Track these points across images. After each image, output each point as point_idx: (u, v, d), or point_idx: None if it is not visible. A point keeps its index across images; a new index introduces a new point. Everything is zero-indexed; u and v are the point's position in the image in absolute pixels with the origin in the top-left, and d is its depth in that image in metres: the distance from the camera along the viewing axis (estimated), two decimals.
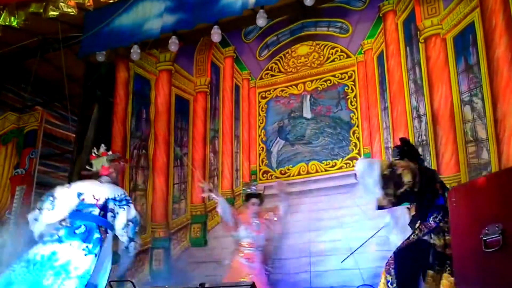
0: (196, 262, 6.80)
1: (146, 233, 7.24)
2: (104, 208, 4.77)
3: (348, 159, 6.54)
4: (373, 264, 5.56)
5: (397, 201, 4.37)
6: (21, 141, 8.27)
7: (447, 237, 4.22)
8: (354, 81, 6.79)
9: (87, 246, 4.56)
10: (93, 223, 4.69)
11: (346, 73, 6.85)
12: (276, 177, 6.86)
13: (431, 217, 4.33)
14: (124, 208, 4.83)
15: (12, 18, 6.61)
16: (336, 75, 6.89)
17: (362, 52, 6.81)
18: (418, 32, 6.36)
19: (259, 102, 7.33)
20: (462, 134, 5.80)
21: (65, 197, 4.85)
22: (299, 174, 6.74)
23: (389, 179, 4.29)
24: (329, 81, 6.92)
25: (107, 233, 4.73)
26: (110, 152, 5.32)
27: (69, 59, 7.70)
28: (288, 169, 6.85)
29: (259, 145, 7.17)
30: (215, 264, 6.55)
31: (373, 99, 6.62)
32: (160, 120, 7.76)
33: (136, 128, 7.88)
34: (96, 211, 4.75)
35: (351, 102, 6.74)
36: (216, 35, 6.77)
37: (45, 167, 8.96)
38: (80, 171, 7.89)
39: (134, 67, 8.05)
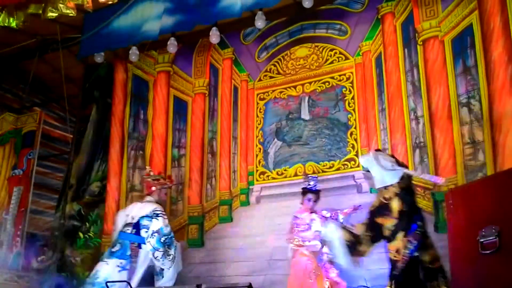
0: (193, 263, 6.79)
1: None
2: (136, 226, 5.24)
3: (345, 160, 6.54)
4: (375, 265, 5.56)
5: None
6: (19, 142, 8.27)
7: (431, 251, 4.19)
8: (352, 82, 6.80)
9: (120, 263, 5.08)
10: (126, 241, 5.20)
11: (344, 74, 6.85)
12: (273, 178, 6.87)
13: (418, 223, 4.25)
14: (152, 221, 5.25)
15: (11, 19, 6.59)
16: (335, 77, 6.90)
17: (361, 54, 6.81)
18: (416, 34, 6.37)
19: (257, 103, 7.33)
20: (460, 136, 5.81)
21: (119, 219, 5.52)
22: (295, 175, 6.74)
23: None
24: (327, 83, 6.92)
25: (140, 248, 5.17)
26: (152, 173, 5.85)
27: (67, 60, 7.73)
28: (285, 170, 6.85)
29: (256, 146, 7.18)
30: (212, 265, 6.56)
31: (370, 101, 6.62)
32: (158, 121, 7.76)
33: (134, 129, 7.87)
34: (130, 230, 5.25)
35: (349, 103, 6.75)
36: (214, 36, 6.78)
37: (43, 168, 8.97)
38: (77, 172, 7.93)
39: (132, 68, 8.05)
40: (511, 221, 3.19)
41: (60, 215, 7.78)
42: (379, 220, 4.47)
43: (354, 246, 4.51)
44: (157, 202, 5.51)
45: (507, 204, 3.25)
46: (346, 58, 6.90)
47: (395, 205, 4.30)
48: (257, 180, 6.99)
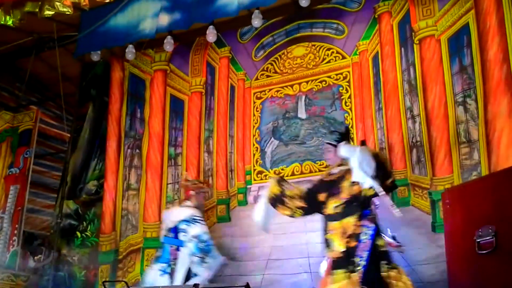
0: None
1: (138, 232, 7.26)
2: (175, 229, 5.43)
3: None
4: None
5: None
6: (15, 140, 8.27)
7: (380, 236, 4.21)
8: (349, 82, 6.81)
9: (162, 267, 5.30)
10: (166, 245, 5.42)
11: (341, 74, 6.86)
12: (270, 178, 6.88)
13: (369, 208, 4.23)
14: (190, 226, 5.44)
15: (8, 17, 6.58)
16: (331, 76, 6.91)
17: (357, 53, 6.82)
18: (413, 33, 6.38)
19: (254, 102, 7.34)
20: (456, 135, 5.82)
21: (164, 223, 5.77)
22: (293, 174, 6.74)
23: (377, 169, 4.29)
24: (324, 82, 6.93)
25: (178, 250, 5.36)
26: (189, 178, 6.21)
27: (64, 59, 7.70)
28: (282, 169, 6.85)
29: (253, 145, 7.18)
30: None
31: (367, 100, 6.63)
32: (155, 120, 7.75)
33: (130, 128, 7.86)
34: (169, 233, 5.46)
35: (345, 102, 6.76)
36: (211, 35, 6.78)
37: (40, 167, 8.96)
38: (74, 170, 7.92)
39: (129, 67, 8.03)
40: (507, 221, 3.21)
41: (57, 214, 7.78)
42: (322, 197, 4.42)
43: (275, 203, 4.60)
44: (195, 207, 5.65)
45: (503, 204, 3.27)
46: (343, 57, 6.91)
47: (347, 185, 4.26)
48: (254, 180, 6.99)
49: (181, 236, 5.40)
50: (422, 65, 6.24)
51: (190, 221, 5.43)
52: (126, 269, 7.11)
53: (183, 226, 5.42)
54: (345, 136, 4.67)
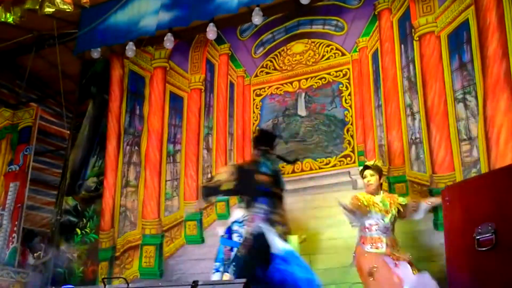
0: (193, 260, 6.79)
1: (136, 229, 7.27)
2: (229, 230, 5.46)
3: (342, 156, 6.53)
4: None
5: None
6: (15, 138, 8.28)
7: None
8: (348, 79, 6.79)
9: (216, 266, 5.35)
10: (221, 245, 5.43)
11: (341, 71, 6.84)
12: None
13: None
14: (244, 227, 5.41)
15: (8, 14, 6.59)
16: (331, 73, 6.89)
17: (357, 50, 6.80)
18: (413, 30, 6.37)
19: (254, 99, 7.32)
20: (456, 132, 5.81)
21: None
22: (293, 172, 6.71)
23: None
24: (324, 79, 6.91)
25: (232, 251, 5.35)
26: None
27: (64, 56, 7.73)
28: (282, 167, 6.82)
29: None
30: (211, 262, 6.58)
31: (367, 97, 6.61)
32: (154, 117, 7.75)
33: (130, 125, 7.86)
34: (224, 234, 5.47)
35: (345, 99, 6.74)
36: (211, 32, 6.79)
37: (39, 164, 8.96)
38: (73, 167, 7.93)
39: (129, 64, 8.03)
40: (507, 218, 3.21)
41: (57, 210, 7.78)
42: None
43: None
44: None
45: (503, 201, 3.28)
46: (343, 54, 6.89)
47: None
48: None
49: (235, 237, 5.39)
50: (422, 62, 6.23)
51: (242, 222, 5.43)
52: (123, 265, 7.11)
53: (235, 227, 5.42)
54: (262, 138, 5.27)
